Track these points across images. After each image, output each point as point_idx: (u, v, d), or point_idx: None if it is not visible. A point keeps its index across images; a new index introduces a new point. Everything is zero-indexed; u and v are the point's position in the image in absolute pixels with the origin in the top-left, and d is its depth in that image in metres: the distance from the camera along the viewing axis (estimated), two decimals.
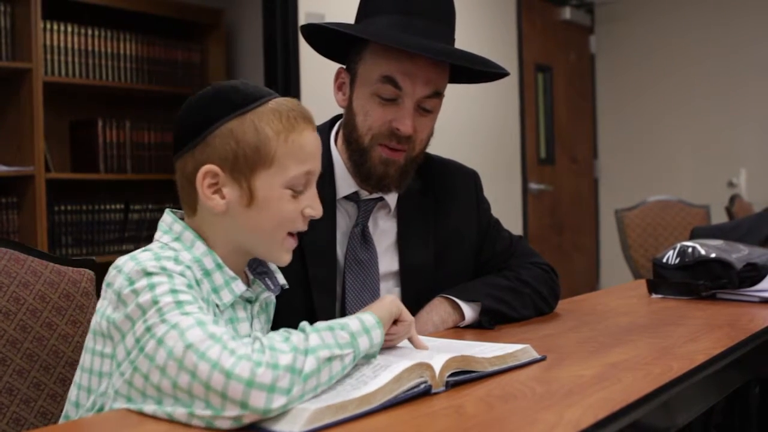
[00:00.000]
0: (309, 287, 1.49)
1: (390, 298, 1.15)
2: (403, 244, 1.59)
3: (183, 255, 1.10)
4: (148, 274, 1.02)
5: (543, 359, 1.20)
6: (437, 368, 1.03)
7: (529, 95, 5.23)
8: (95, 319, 1.08)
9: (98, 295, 1.13)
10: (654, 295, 1.92)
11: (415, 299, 1.52)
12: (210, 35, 4.06)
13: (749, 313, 1.64)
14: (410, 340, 1.19)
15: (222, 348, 0.91)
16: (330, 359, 0.96)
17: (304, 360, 0.92)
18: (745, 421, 1.63)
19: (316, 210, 1.17)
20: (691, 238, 2.26)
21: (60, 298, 1.38)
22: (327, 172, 1.54)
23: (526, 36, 5.19)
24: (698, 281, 1.86)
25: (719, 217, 4.32)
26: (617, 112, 5.78)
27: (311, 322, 1.01)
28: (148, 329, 0.97)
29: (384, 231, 1.59)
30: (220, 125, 1.11)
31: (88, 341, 1.09)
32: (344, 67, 1.56)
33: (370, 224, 1.58)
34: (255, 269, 1.24)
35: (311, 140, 1.15)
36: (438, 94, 1.50)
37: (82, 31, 3.53)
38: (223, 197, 1.12)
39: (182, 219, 1.18)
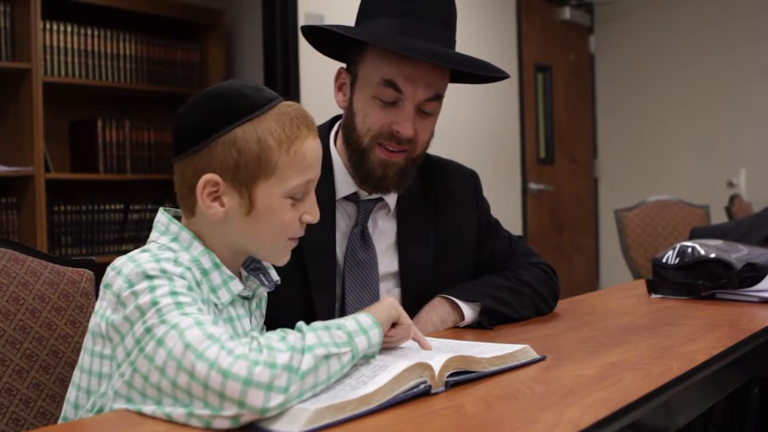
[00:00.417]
0: (309, 287, 1.49)
1: (389, 300, 1.15)
2: (402, 244, 1.59)
3: (182, 256, 1.10)
4: (149, 276, 1.02)
5: (543, 359, 1.20)
6: (437, 368, 1.03)
7: (529, 95, 5.23)
8: (94, 321, 1.08)
9: (97, 296, 1.13)
10: (653, 295, 1.92)
11: (414, 299, 1.52)
12: (210, 35, 4.06)
13: (749, 313, 1.64)
14: (416, 340, 1.19)
15: (220, 348, 0.91)
16: (327, 357, 0.95)
17: (301, 358, 0.92)
18: (745, 421, 1.63)
19: (313, 216, 1.17)
20: (691, 238, 2.26)
21: (59, 299, 1.38)
22: (326, 173, 1.54)
23: (525, 36, 5.19)
24: (698, 281, 1.86)
25: (719, 217, 4.32)
26: (617, 112, 5.78)
27: (311, 323, 1.01)
28: (148, 330, 0.97)
29: (383, 231, 1.60)
30: (223, 134, 1.10)
31: (87, 342, 1.09)
32: (345, 67, 1.56)
33: (370, 224, 1.58)
34: (248, 266, 1.25)
35: (313, 149, 1.14)
36: (438, 97, 1.50)
37: (82, 31, 3.52)
38: (222, 205, 1.11)
39: (177, 218, 1.17)
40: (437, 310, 1.52)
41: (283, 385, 0.89)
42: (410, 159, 1.52)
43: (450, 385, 1.04)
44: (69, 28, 3.47)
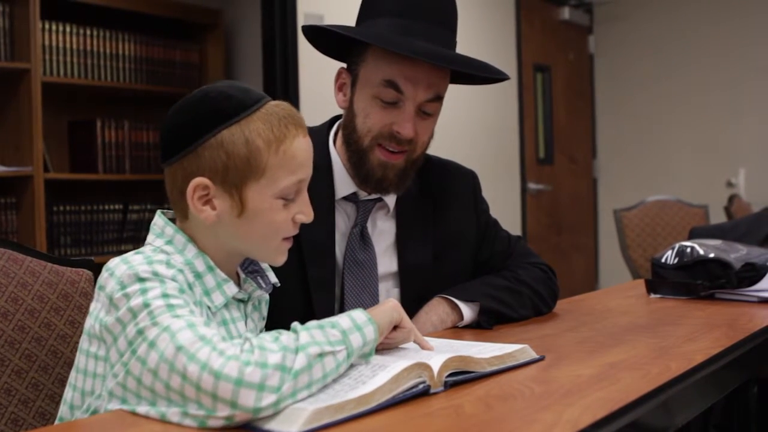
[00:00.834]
0: (308, 288, 1.49)
1: (392, 303, 1.14)
2: (401, 244, 1.59)
3: (175, 258, 1.10)
4: (140, 279, 1.02)
5: (541, 359, 1.20)
6: (436, 368, 1.03)
7: (528, 95, 5.23)
8: (89, 322, 1.08)
9: None
10: (653, 295, 1.92)
11: (414, 299, 1.52)
12: (209, 35, 4.06)
13: (748, 313, 1.64)
14: (416, 342, 1.19)
15: (211, 349, 0.91)
16: (321, 355, 0.95)
17: (294, 358, 0.92)
18: (744, 421, 1.63)
19: (307, 215, 1.16)
20: (690, 238, 2.26)
21: (58, 299, 1.38)
22: (326, 173, 1.54)
23: (524, 36, 5.19)
24: (697, 281, 1.86)
25: (718, 217, 4.32)
26: (616, 112, 5.79)
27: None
28: (140, 332, 0.97)
29: (383, 231, 1.59)
30: (210, 137, 1.09)
31: (83, 343, 1.09)
32: (345, 67, 1.56)
33: (369, 225, 1.58)
34: (246, 268, 1.24)
35: (303, 148, 1.14)
36: (439, 98, 1.50)
37: (81, 31, 3.52)
38: (213, 208, 1.11)
39: (173, 220, 1.17)
40: (436, 310, 1.52)
41: (275, 385, 0.89)
42: (410, 160, 1.52)
43: (449, 385, 1.04)
44: (68, 28, 3.47)
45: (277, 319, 1.28)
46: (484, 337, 1.40)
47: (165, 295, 1.00)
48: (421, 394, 1.00)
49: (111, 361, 1.02)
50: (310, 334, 0.97)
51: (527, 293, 1.62)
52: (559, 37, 5.57)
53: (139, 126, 3.79)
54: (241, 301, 1.20)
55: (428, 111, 1.50)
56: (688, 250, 1.96)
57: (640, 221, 4.25)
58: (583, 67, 5.83)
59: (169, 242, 1.14)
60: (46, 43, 3.38)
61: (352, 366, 1.03)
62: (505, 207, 4.90)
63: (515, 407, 0.96)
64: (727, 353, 1.27)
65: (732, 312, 1.65)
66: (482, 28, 4.80)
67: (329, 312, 1.49)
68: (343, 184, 1.55)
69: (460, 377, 1.06)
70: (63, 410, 1.12)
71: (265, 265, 1.26)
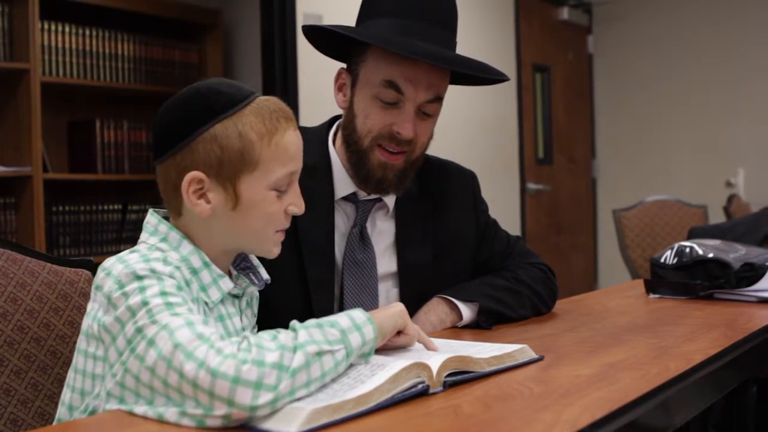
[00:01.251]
0: (307, 288, 1.49)
1: (399, 309, 1.15)
2: (401, 244, 1.59)
3: (171, 255, 1.11)
4: (138, 277, 1.02)
5: (541, 359, 1.20)
6: (435, 368, 1.03)
7: (527, 95, 5.24)
8: (86, 322, 1.08)
9: None
10: (652, 295, 1.92)
11: (413, 300, 1.52)
12: (208, 35, 4.06)
13: (747, 312, 1.65)
14: (421, 342, 1.19)
15: (209, 347, 0.92)
16: (319, 354, 0.95)
17: (292, 356, 0.92)
18: (743, 421, 1.63)
19: (299, 207, 1.18)
20: (689, 238, 2.27)
21: (57, 299, 1.38)
22: (325, 173, 1.55)
23: (523, 36, 5.19)
24: (696, 281, 1.86)
25: (717, 217, 4.32)
26: (615, 112, 5.79)
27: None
28: (139, 330, 0.97)
29: (382, 231, 1.59)
30: (203, 131, 1.10)
31: (80, 343, 1.09)
32: (345, 67, 1.56)
33: (369, 225, 1.57)
34: (238, 265, 1.25)
35: (294, 140, 1.15)
36: (439, 99, 1.50)
37: (80, 31, 3.52)
38: (208, 202, 1.12)
39: (166, 218, 1.18)
40: (435, 310, 1.52)
41: (273, 383, 0.89)
42: (409, 161, 1.52)
43: (448, 385, 1.04)
44: (67, 28, 3.47)
45: (276, 319, 1.28)
46: (483, 337, 1.40)
47: (163, 293, 1.00)
48: (420, 394, 1.00)
49: (110, 360, 1.02)
50: (308, 333, 0.97)
51: (526, 293, 1.62)
52: (558, 37, 5.58)
53: (138, 126, 3.79)
54: (235, 296, 1.21)
55: (428, 111, 1.50)
56: (687, 250, 1.97)
57: (639, 221, 4.25)
58: (582, 67, 5.83)
59: (164, 239, 1.14)
60: (46, 43, 3.38)
61: (351, 365, 1.03)
62: (504, 207, 4.90)
63: (514, 407, 0.96)
64: (725, 353, 1.27)
65: (731, 312, 1.65)
66: (481, 28, 4.80)
67: (328, 312, 1.49)
68: (343, 184, 1.55)
69: (459, 377, 1.07)
70: (61, 411, 1.12)
71: (256, 262, 1.27)
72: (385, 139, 1.48)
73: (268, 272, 1.28)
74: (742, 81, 5.21)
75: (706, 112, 5.35)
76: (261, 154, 1.11)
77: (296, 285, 1.47)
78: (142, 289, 1.00)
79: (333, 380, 0.99)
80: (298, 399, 0.92)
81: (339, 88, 1.56)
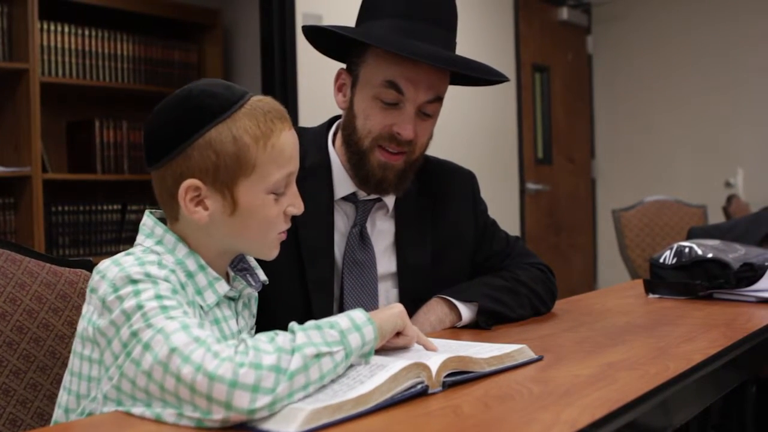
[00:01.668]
0: (307, 289, 1.49)
1: (398, 310, 1.14)
2: (401, 244, 1.59)
3: (166, 258, 1.10)
4: (133, 281, 1.01)
5: (540, 359, 1.20)
6: (434, 368, 1.03)
7: (527, 95, 5.24)
8: (82, 325, 1.07)
9: None
10: (651, 295, 1.92)
11: (412, 300, 1.52)
12: (207, 36, 4.06)
13: (746, 313, 1.65)
14: (421, 343, 1.19)
15: (206, 351, 0.91)
16: (318, 356, 0.95)
17: (289, 359, 0.92)
18: (742, 421, 1.63)
19: (297, 207, 1.16)
20: (688, 238, 2.27)
21: (57, 299, 1.38)
22: (325, 173, 1.55)
23: (523, 36, 5.19)
24: (695, 281, 1.86)
25: (716, 217, 4.32)
26: (614, 112, 5.79)
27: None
28: (134, 334, 0.97)
29: (382, 232, 1.59)
30: (198, 137, 1.09)
31: (76, 346, 1.09)
32: (345, 68, 1.56)
33: (368, 225, 1.58)
34: (235, 266, 1.24)
35: (290, 141, 1.13)
36: (439, 99, 1.50)
37: (79, 31, 3.52)
38: (206, 208, 1.10)
39: (162, 220, 1.17)
40: (435, 310, 1.52)
41: (270, 386, 0.89)
42: (409, 161, 1.52)
43: (447, 386, 1.04)
44: (66, 29, 3.47)
45: (275, 320, 1.28)
46: (482, 338, 1.40)
47: (158, 297, 0.99)
48: (420, 394, 1.00)
49: (105, 363, 1.02)
50: (306, 335, 0.96)
51: (526, 293, 1.62)
52: (558, 38, 5.58)
53: (137, 126, 3.79)
54: (231, 299, 1.20)
55: (428, 112, 1.50)
56: (687, 250, 1.97)
57: (638, 221, 4.25)
58: (582, 67, 5.83)
59: (159, 242, 1.13)
60: (45, 43, 3.38)
61: (350, 366, 1.03)
62: (503, 207, 4.90)
63: (514, 407, 0.96)
64: (725, 353, 1.27)
65: (730, 312, 1.65)
66: (481, 28, 4.80)
67: (328, 312, 1.49)
68: (342, 184, 1.55)
69: (459, 377, 1.06)
70: (58, 414, 1.12)
71: (254, 263, 1.26)
72: (385, 140, 1.48)
73: (268, 273, 1.27)
74: (741, 81, 5.21)
75: (706, 112, 5.35)
76: (257, 158, 1.09)
77: (296, 285, 1.47)
78: (136, 293, 1.00)
79: (332, 380, 0.98)
80: (297, 401, 0.92)
81: (339, 88, 1.56)
